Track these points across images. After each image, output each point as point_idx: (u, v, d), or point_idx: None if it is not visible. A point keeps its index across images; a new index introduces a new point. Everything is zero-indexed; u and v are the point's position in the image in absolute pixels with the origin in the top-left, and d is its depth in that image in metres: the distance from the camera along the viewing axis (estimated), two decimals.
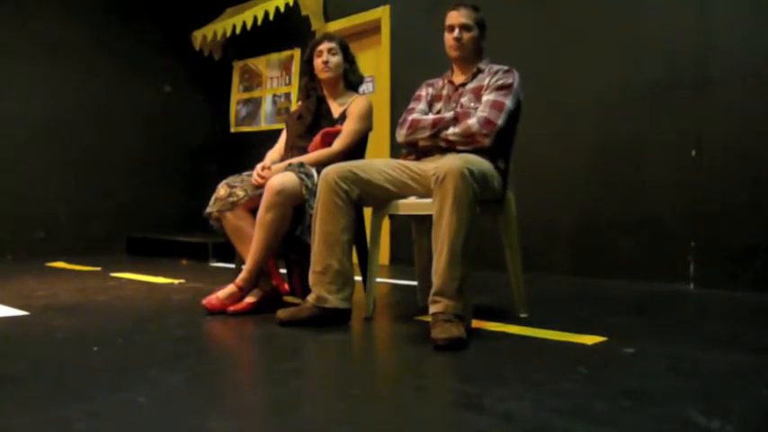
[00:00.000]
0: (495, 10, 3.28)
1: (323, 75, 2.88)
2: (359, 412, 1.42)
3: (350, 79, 2.95)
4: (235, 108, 6.30)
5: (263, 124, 5.97)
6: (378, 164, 2.44)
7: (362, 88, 3.08)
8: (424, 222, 2.69)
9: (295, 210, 2.58)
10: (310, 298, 2.35)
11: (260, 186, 2.69)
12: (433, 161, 2.37)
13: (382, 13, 4.86)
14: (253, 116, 6.11)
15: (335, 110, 2.91)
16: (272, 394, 1.60)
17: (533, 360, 1.86)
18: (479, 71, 2.53)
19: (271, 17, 5.34)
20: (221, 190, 2.74)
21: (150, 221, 6.01)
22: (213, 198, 2.74)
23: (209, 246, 4.89)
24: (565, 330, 2.20)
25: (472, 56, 2.55)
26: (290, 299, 2.91)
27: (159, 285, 3.56)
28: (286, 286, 2.96)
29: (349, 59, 2.95)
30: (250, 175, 2.79)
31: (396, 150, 4.18)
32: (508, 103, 2.41)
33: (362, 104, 2.87)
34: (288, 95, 5.74)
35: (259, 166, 2.79)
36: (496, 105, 2.39)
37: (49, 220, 5.43)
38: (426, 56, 3.76)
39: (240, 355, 2.12)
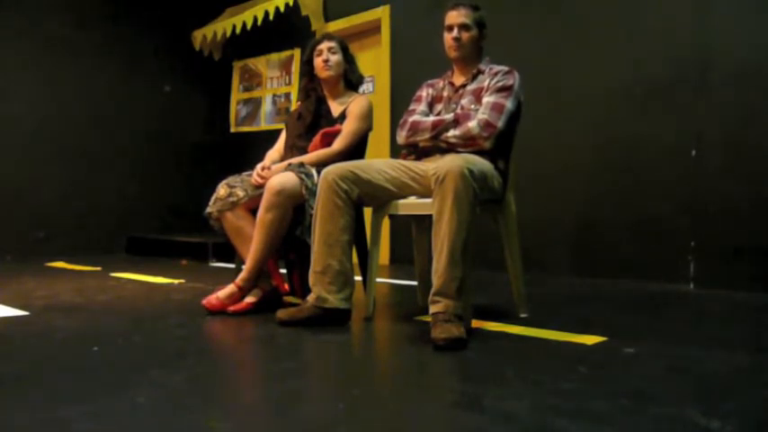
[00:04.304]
0: (496, 10, 3.28)
1: (323, 73, 2.88)
2: (359, 412, 1.42)
3: (350, 79, 2.95)
4: (235, 108, 6.30)
5: (263, 124, 5.97)
6: (378, 164, 2.44)
7: (362, 88, 3.08)
8: (424, 222, 2.69)
9: (295, 210, 2.58)
10: (310, 298, 2.35)
11: (260, 186, 2.69)
12: (433, 161, 2.36)
13: (382, 13, 4.86)
14: (253, 116, 6.11)
15: (335, 110, 2.91)
16: (272, 394, 1.60)
17: (533, 360, 1.86)
18: (480, 72, 2.53)
19: (271, 17, 5.35)
20: (221, 190, 2.74)
21: (150, 221, 6.01)
22: (213, 198, 2.74)
23: (209, 246, 4.88)
24: (565, 330, 2.20)
25: (472, 56, 2.54)
26: (290, 299, 2.91)
27: (159, 285, 3.56)
28: (286, 286, 2.96)
29: (348, 59, 2.95)
30: (250, 175, 2.79)
31: (396, 150, 4.18)
32: (508, 104, 2.41)
33: (362, 104, 2.87)
34: (288, 95, 5.74)
35: (259, 166, 2.79)
36: (497, 107, 2.39)
37: (49, 220, 5.44)
38: (426, 56, 3.76)
39: (240, 355, 2.12)
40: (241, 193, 2.71)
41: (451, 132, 2.39)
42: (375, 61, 4.97)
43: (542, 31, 3.91)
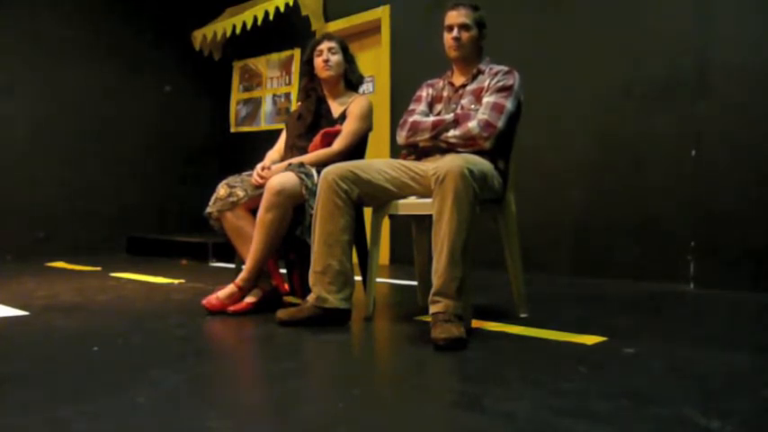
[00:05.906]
0: (496, 10, 3.28)
1: (324, 73, 2.88)
2: (359, 412, 1.42)
3: (350, 79, 2.96)
4: (235, 108, 6.30)
5: (263, 124, 5.97)
6: (378, 164, 2.44)
7: (362, 88, 3.08)
8: (424, 222, 2.69)
9: (295, 210, 2.58)
10: (310, 298, 2.35)
11: (260, 186, 2.69)
12: (433, 161, 2.36)
13: (382, 13, 4.86)
14: (253, 116, 6.11)
15: (335, 110, 2.91)
16: (272, 394, 1.60)
17: (533, 360, 1.86)
18: (479, 72, 2.53)
19: (271, 17, 5.35)
20: (221, 190, 2.74)
21: (150, 221, 6.01)
22: (213, 198, 2.74)
23: (209, 246, 4.88)
24: (565, 330, 2.20)
25: (472, 56, 2.54)
26: (290, 299, 2.91)
27: (159, 285, 3.56)
28: (286, 286, 2.96)
29: (348, 59, 2.95)
30: (250, 175, 2.79)
31: (396, 150, 4.18)
32: (508, 105, 2.41)
33: (362, 104, 2.87)
34: (288, 95, 5.74)
35: (259, 166, 2.79)
36: (497, 108, 2.39)
37: (49, 220, 5.43)
38: (426, 56, 3.76)
39: (240, 355, 2.12)
40: (241, 193, 2.71)
41: (451, 132, 2.39)
42: (375, 61, 4.97)
43: (542, 31, 3.91)
